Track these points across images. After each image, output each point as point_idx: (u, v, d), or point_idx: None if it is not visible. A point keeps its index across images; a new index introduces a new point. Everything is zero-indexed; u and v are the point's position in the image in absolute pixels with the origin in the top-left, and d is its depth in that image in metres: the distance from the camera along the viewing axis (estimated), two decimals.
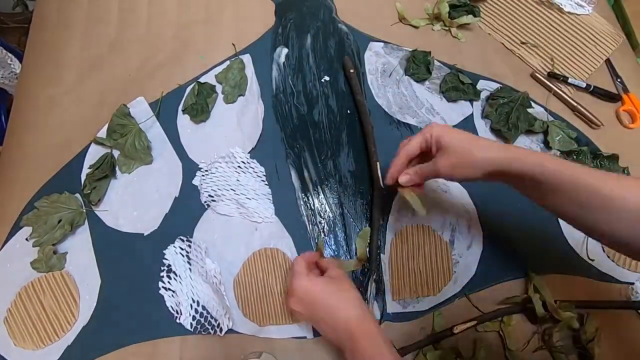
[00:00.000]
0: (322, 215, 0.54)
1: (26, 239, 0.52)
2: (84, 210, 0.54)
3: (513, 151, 0.41)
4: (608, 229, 0.37)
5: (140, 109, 0.59)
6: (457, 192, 0.55)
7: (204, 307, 0.49)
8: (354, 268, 0.51)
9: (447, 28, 0.67)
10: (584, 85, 0.63)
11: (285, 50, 0.64)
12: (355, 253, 0.52)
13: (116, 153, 0.57)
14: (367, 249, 0.52)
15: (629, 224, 0.35)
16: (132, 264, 0.52)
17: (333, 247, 0.53)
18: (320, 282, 0.44)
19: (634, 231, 0.35)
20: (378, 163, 0.54)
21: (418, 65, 0.62)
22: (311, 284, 0.43)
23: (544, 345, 0.48)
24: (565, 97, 0.62)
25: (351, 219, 0.54)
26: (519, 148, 0.41)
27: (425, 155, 0.46)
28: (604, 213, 0.36)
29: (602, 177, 0.37)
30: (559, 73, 0.63)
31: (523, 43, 0.66)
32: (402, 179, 0.46)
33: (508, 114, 0.58)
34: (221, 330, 0.48)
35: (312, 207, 0.54)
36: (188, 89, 0.60)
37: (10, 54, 0.99)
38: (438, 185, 0.56)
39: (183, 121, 0.59)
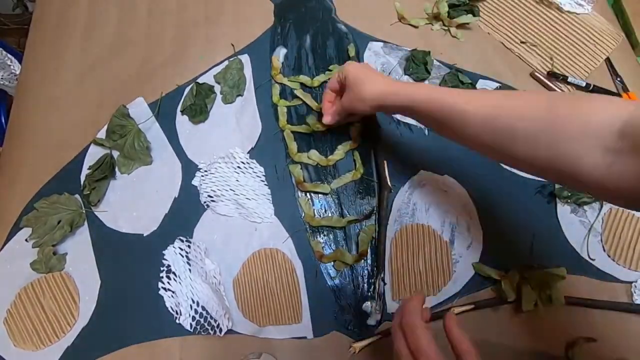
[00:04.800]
0: (321, 215, 0.54)
1: (26, 240, 0.52)
2: (84, 211, 0.54)
3: (395, 86, 0.44)
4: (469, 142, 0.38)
5: (140, 110, 0.59)
6: (457, 192, 0.55)
7: (203, 308, 0.49)
8: (353, 263, 0.51)
9: (446, 27, 0.67)
10: (583, 84, 0.62)
11: (284, 51, 0.64)
12: (357, 249, 0.52)
13: (116, 154, 0.57)
14: (370, 247, 0.52)
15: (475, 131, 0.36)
16: (132, 265, 0.52)
17: (333, 246, 0.53)
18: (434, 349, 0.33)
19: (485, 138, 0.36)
20: (385, 162, 0.54)
21: (417, 65, 0.62)
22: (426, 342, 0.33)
23: None
24: None
25: None
26: (406, 83, 0.45)
27: None
28: (464, 128, 0.38)
29: (456, 93, 0.39)
30: (558, 72, 0.63)
31: (522, 42, 0.66)
32: (325, 120, 0.53)
33: None
34: (221, 330, 0.48)
35: (312, 207, 0.54)
36: (186, 90, 0.60)
37: (10, 55, 0.99)
38: (438, 185, 0.56)
39: (182, 122, 0.59)
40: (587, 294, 0.51)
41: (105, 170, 0.54)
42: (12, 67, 0.99)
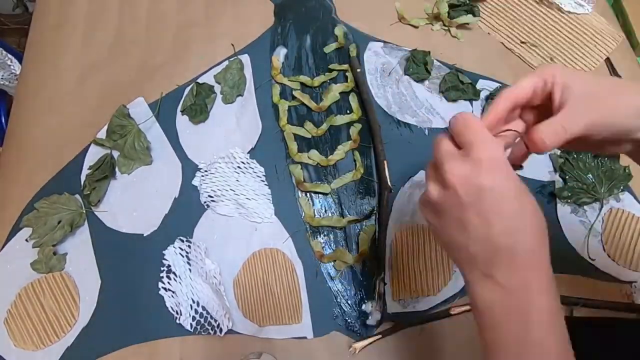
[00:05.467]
0: (321, 215, 0.54)
1: (26, 240, 0.52)
2: (84, 211, 0.54)
3: None
4: None
5: (140, 110, 0.59)
6: None
7: (203, 308, 0.49)
8: (353, 263, 0.51)
9: (446, 28, 0.67)
10: None
11: (284, 51, 0.64)
12: (357, 249, 0.52)
13: (116, 154, 0.57)
14: (370, 247, 0.52)
15: None
16: (132, 265, 0.52)
17: (333, 246, 0.53)
18: (497, 170, 0.27)
19: None
20: (385, 162, 0.54)
21: (417, 65, 0.62)
22: (477, 172, 0.27)
23: None
24: None
25: None
26: None
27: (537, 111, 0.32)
28: None
29: None
30: None
31: (523, 42, 0.66)
32: (503, 134, 0.31)
33: None
34: (221, 330, 0.48)
35: (312, 207, 0.54)
36: (187, 90, 0.60)
37: (10, 55, 0.99)
38: None
39: (182, 122, 0.59)
40: (587, 294, 0.51)
41: (106, 170, 0.54)
42: (12, 67, 0.99)
